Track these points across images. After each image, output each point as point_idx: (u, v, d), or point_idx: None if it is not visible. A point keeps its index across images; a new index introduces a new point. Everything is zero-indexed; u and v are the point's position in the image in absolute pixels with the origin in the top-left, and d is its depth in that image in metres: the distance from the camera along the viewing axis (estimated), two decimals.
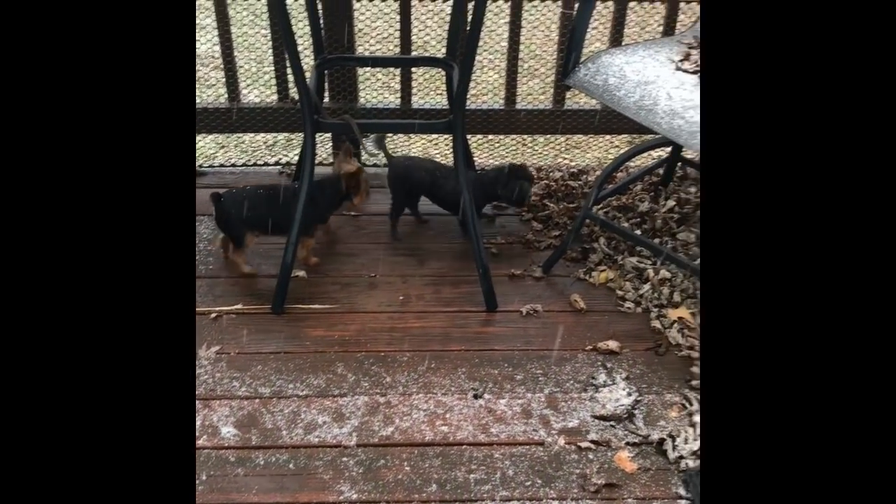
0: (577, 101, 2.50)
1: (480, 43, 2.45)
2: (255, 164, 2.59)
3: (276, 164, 2.59)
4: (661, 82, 1.74)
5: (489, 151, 2.75)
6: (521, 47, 2.41)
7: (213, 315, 1.96)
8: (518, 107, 2.46)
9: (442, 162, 2.29)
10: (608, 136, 2.69)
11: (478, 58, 2.92)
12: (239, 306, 2.00)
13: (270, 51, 2.37)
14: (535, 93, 3.11)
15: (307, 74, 1.85)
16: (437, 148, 2.73)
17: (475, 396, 1.78)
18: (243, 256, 2.07)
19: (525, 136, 2.75)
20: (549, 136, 2.66)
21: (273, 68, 2.39)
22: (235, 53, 2.38)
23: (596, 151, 2.75)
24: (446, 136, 2.47)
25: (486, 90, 3.13)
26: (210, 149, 2.72)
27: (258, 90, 2.99)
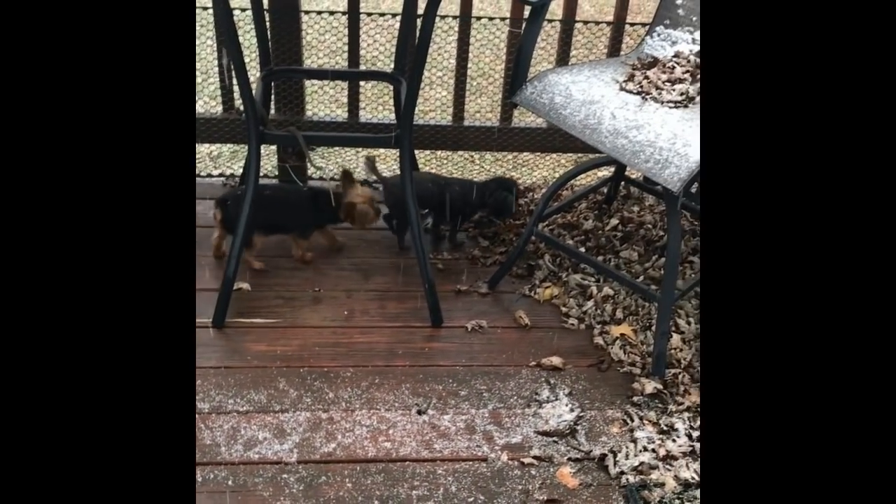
0: (524, 119, 2.52)
1: (429, 59, 2.45)
2: (198, 176, 2.54)
3: (220, 175, 2.55)
4: (605, 102, 1.77)
5: (438, 167, 2.76)
6: (471, 65, 2.42)
7: None
8: (466, 123, 2.48)
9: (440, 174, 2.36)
10: (555, 154, 2.72)
11: (427, 74, 2.93)
12: None
13: (216, 61, 2.34)
14: (483, 110, 3.13)
15: (253, 86, 1.83)
16: (385, 162, 2.73)
17: (419, 412, 1.77)
18: (253, 253, 2.11)
19: (473, 153, 2.77)
20: (496, 153, 2.68)
21: (218, 79, 2.36)
22: None
23: (543, 170, 2.78)
24: (394, 150, 2.47)
25: (434, 106, 3.14)
26: None
27: (204, 101, 2.95)
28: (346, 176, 2.13)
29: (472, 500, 1.58)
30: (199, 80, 2.92)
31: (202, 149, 2.73)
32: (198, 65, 2.75)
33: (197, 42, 2.44)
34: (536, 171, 2.78)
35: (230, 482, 1.57)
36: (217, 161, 2.71)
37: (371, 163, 2.19)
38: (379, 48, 2.57)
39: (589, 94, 1.80)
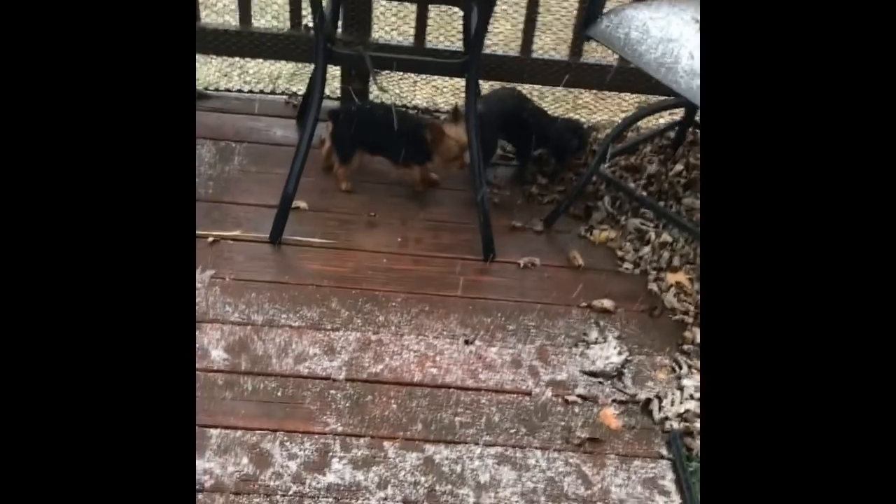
0: (593, 55, 2.44)
1: None
2: (261, 92, 2.54)
3: (283, 93, 2.54)
4: (683, 41, 1.70)
5: None
6: None
7: (211, 239, 1.94)
8: (534, 56, 2.42)
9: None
10: (617, 99, 2.65)
11: (499, 5, 2.85)
12: (237, 233, 1.98)
13: None
14: (546, 48, 3.04)
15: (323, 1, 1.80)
16: (441, 95, 2.68)
17: (466, 342, 1.78)
18: (346, 173, 2.14)
19: (535, 89, 2.70)
20: (557, 91, 2.61)
21: None
22: None
23: (604, 112, 2.70)
24: (455, 79, 2.43)
25: (497, 41, 3.06)
26: (212, 76, 2.65)
27: (272, 13, 2.91)
28: (455, 113, 2.06)
29: (514, 430, 1.59)
30: None
31: (263, 70, 2.71)
32: None
33: None
34: (597, 114, 2.71)
35: (279, 393, 1.61)
36: (276, 83, 2.70)
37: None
38: None
39: (667, 32, 1.73)
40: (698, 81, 1.63)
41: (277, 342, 1.71)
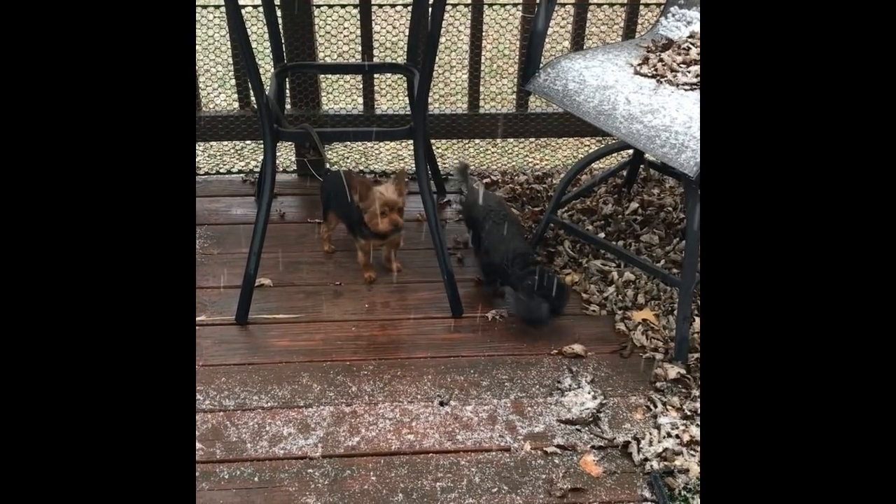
0: (541, 104, 2.50)
1: (449, 44, 2.42)
2: (217, 172, 2.56)
3: (239, 171, 2.57)
4: (619, 87, 1.75)
5: (456, 154, 2.75)
6: (490, 47, 2.40)
7: None
8: (482, 110, 2.46)
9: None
10: (574, 142, 2.70)
11: (447, 58, 2.92)
12: (202, 317, 1.98)
13: (231, 58, 2.35)
14: (505, 92, 3.09)
15: (267, 82, 1.84)
16: (406, 150, 2.72)
17: (441, 404, 1.78)
18: (329, 229, 2.21)
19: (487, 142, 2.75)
20: (510, 142, 2.65)
21: (234, 76, 2.37)
22: (200, 57, 2.36)
23: (565, 150, 2.75)
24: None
25: (456, 90, 3.12)
26: None
27: (226, 94, 2.96)
28: (398, 175, 1.99)
29: (495, 490, 1.59)
30: (220, 73, 2.93)
31: (228, 145, 2.74)
32: (219, 58, 2.77)
33: (221, 34, 2.45)
34: (559, 151, 2.75)
35: (256, 479, 1.59)
36: (241, 153, 2.72)
37: (464, 171, 2.18)
38: (398, 35, 2.55)
39: (603, 80, 1.78)
40: (637, 126, 1.67)
41: (251, 426, 1.70)
